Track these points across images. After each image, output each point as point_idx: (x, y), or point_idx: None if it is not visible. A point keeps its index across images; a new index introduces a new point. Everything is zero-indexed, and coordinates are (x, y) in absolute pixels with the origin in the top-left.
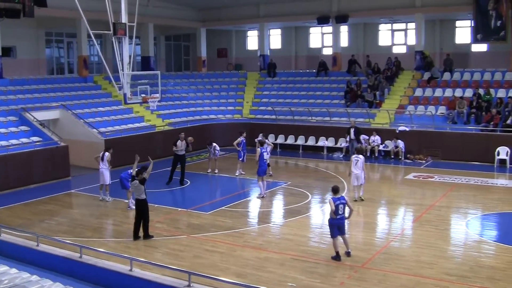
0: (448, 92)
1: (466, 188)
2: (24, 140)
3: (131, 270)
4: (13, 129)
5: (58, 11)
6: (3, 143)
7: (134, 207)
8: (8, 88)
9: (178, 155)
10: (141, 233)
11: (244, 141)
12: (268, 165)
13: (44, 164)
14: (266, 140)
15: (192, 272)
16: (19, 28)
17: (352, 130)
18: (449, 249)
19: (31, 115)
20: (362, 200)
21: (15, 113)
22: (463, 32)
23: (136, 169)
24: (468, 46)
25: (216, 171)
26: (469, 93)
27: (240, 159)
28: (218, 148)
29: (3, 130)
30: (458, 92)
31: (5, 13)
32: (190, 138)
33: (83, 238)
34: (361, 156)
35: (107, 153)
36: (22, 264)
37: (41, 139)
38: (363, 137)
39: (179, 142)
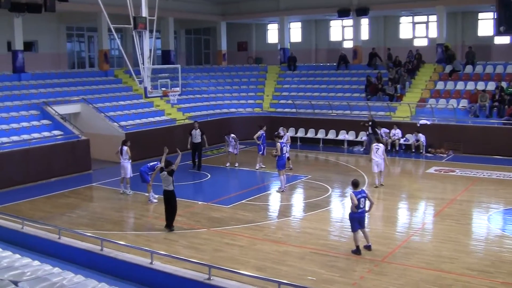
0: (470, 85)
1: (488, 182)
2: (46, 133)
3: (151, 263)
4: (35, 122)
5: (79, 5)
6: (25, 136)
7: (155, 201)
8: (30, 82)
9: (194, 143)
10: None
11: (264, 134)
12: (288, 158)
13: (65, 158)
14: (287, 133)
15: (212, 265)
16: (40, 22)
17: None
18: (471, 243)
19: (52, 109)
20: (382, 185)
21: (37, 107)
22: (485, 24)
23: (165, 161)
24: (490, 38)
25: (236, 165)
26: (491, 86)
27: (260, 152)
28: (237, 139)
29: (25, 124)
30: (480, 85)
31: (27, 8)
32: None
33: (104, 231)
34: (381, 144)
35: (125, 147)
36: (44, 257)
37: (62, 132)
38: (383, 130)
39: (193, 131)
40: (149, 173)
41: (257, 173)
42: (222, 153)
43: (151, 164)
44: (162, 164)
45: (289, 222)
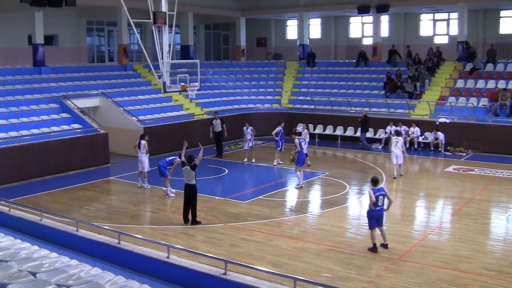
0: (491, 84)
1: (507, 182)
2: (65, 127)
3: (168, 257)
4: (54, 116)
5: (99, 0)
6: (45, 130)
7: (172, 195)
8: (50, 76)
9: (215, 132)
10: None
11: (282, 131)
12: (306, 155)
13: (84, 151)
14: (306, 130)
15: (228, 261)
16: (61, 17)
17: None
18: (489, 243)
19: (72, 102)
20: (401, 175)
21: (56, 101)
22: (507, 22)
23: (185, 156)
24: None
25: (253, 161)
26: None
27: (278, 148)
28: (252, 132)
29: (44, 117)
30: (501, 84)
31: (47, 2)
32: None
33: (121, 225)
34: (400, 138)
35: (143, 141)
36: (62, 249)
37: (81, 126)
38: (404, 128)
39: (214, 121)
40: (168, 167)
41: (274, 169)
42: (240, 148)
43: (170, 158)
44: (183, 159)
45: (306, 219)
